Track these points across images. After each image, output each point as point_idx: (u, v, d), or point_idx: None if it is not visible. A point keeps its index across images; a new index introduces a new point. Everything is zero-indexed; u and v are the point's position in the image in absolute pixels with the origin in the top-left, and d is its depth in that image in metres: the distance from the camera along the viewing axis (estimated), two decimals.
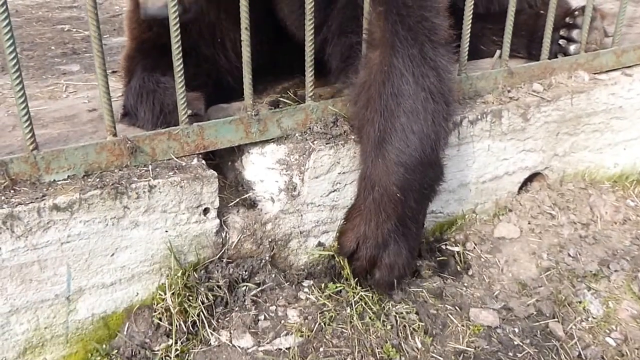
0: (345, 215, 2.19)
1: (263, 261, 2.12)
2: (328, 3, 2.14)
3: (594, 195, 2.68)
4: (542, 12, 2.70)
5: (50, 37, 3.97)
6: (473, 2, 2.33)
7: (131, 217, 1.89)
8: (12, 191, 1.80)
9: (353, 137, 2.15)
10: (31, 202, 1.76)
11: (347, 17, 2.12)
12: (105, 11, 4.60)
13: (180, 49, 1.88)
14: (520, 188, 2.68)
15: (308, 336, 2.03)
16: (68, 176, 1.87)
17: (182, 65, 1.90)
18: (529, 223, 2.54)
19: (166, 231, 1.95)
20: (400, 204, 1.98)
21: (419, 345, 2.06)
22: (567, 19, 2.72)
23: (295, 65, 2.52)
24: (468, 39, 2.36)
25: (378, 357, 2.00)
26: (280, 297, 2.14)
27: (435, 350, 2.05)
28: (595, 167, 2.81)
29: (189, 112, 1.98)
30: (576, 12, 2.71)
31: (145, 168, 1.95)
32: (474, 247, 2.45)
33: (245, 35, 1.95)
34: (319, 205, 2.18)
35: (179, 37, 1.87)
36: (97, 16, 1.75)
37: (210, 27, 2.41)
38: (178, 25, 1.86)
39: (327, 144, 2.12)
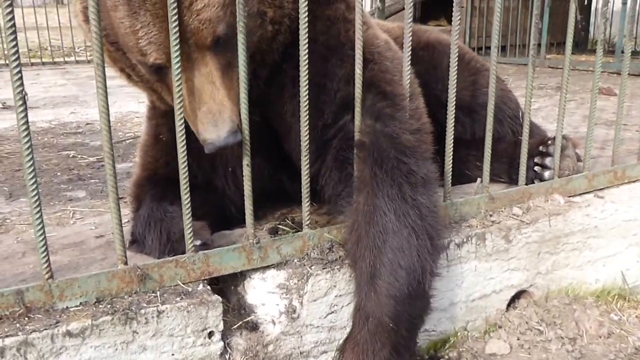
0: (342, 347, 2.25)
1: None
2: (323, 141, 2.33)
3: (579, 310, 2.75)
4: (521, 139, 2.88)
5: (56, 164, 4.08)
6: (453, 131, 2.51)
7: (139, 342, 1.95)
8: (26, 318, 1.85)
9: (347, 261, 2.26)
10: (45, 329, 1.81)
11: (340, 157, 2.30)
12: None
13: (187, 184, 2.01)
14: (509, 305, 2.76)
15: None
16: (80, 303, 1.93)
17: (189, 199, 2.02)
18: (518, 339, 2.61)
19: (172, 354, 2.01)
20: (394, 333, 2.06)
21: None
22: (541, 148, 2.91)
23: (291, 191, 2.69)
24: (450, 171, 2.52)
25: None
26: None
27: None
28: (577, 283, 2.91)
29: (197, 242, 2.10)
30: (549, 142, 2.90)
31: (153, 294, 2.02)
32: None
33: (247, 171, 2.10)
34: (317, 326, 2.26)
35: (186, 173, 2.00)
36: (114, 169, 1.90)
37: (211, 159, 2.55)
38: (186, 161, 1.99)
39: (323, 268, 2.23)
